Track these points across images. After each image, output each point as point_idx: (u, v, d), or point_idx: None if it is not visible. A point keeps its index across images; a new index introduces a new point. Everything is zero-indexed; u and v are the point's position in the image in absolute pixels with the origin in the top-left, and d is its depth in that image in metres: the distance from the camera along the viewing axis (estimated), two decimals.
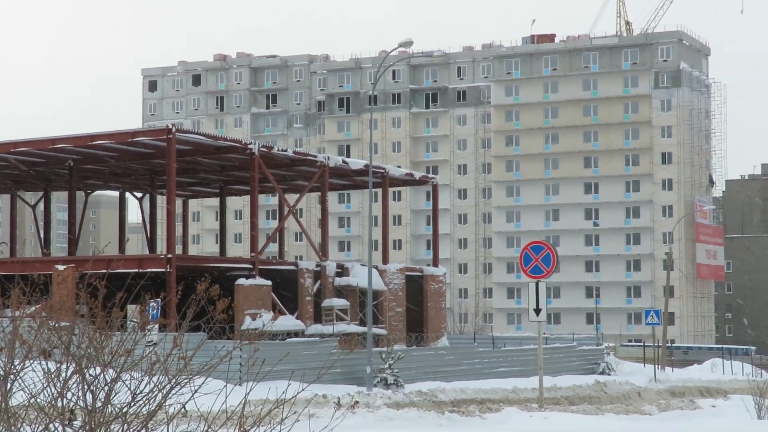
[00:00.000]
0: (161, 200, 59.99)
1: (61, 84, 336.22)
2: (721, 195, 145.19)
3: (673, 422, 32.87)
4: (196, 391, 8.38)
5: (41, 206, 59.48)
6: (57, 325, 8.80)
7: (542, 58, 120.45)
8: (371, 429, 26.66)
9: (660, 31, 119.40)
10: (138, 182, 56.13)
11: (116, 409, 8.26)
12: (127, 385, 8.31)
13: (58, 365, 8.43)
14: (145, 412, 8.26)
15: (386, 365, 35.34)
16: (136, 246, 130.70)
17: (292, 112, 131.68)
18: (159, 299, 30.01)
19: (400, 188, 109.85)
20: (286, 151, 47.23)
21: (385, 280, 49.17)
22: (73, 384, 8.34)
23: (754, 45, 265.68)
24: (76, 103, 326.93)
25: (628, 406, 38.39)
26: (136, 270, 37.43)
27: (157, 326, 17.51)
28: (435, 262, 55.27)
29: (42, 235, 57.35)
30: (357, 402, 19.00)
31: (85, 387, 8.31)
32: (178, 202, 58.73)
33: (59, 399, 8.27)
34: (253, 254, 43.95)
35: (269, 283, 42.91)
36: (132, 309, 11.35)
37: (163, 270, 38.88)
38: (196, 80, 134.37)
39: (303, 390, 8.61)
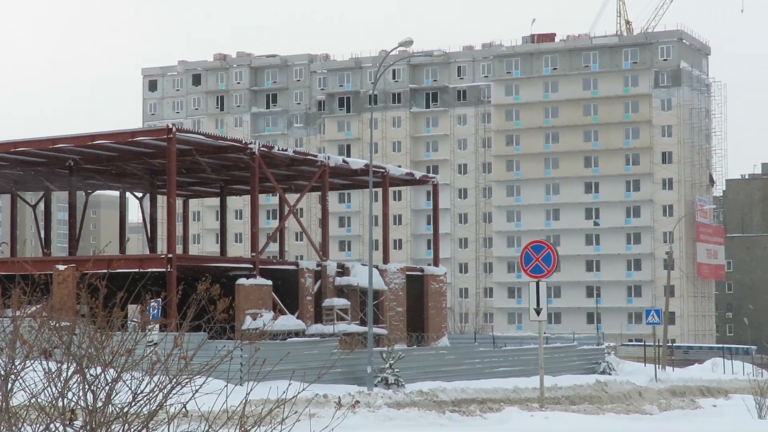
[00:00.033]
0: (161, 200, 59.94)
1: (61, 84, 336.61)
2: (721, 194, 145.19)
3: (674, 422, 32.86)
4: (196, 390, 8.37)
5: (41, 206, 59.45)
6: (58, 325, 8.79)
7: (542, 57, 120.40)
8: (372, 429, 26.63)
9: (660, 30, 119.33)
10: (138, 182, 56.07)
11: (117, 409, 8.26)
12: (127, 385, 8.30)
13: (59, 365, 8.42)
14: (145, 412, 8.25)
15: (387, 365, 35.33)
16: (137, 246, 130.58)
17: (293, 112, 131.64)
18: (159, 299, 30.00)
19: (400, 188, 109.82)
20: (286, 150, 47.20)
21: (386, 279, 49.15)
22: (73, 384, 8.34)
23: (754, 45, 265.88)
24: (76, 103, 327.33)
25: (628, 405, 38.35)
26: (137, 270, 37.41)
27: (157, 326, 17.52)
28: (435, 262, 55.25)
29: (42, 235, 57.31)
30: (358, 402, 19.00)
31: (86, 387, 8.31)
32: (179, 201, 58.69)
33: (60, 399, 8.26)
34: (253, 254, 43.94)
35: (270, 282, 42.90)
36: (132, 309, 11.35)
37: (164, 270, 38.88)
38: (196, 80, 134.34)
39: (304, 390, 8.60)
